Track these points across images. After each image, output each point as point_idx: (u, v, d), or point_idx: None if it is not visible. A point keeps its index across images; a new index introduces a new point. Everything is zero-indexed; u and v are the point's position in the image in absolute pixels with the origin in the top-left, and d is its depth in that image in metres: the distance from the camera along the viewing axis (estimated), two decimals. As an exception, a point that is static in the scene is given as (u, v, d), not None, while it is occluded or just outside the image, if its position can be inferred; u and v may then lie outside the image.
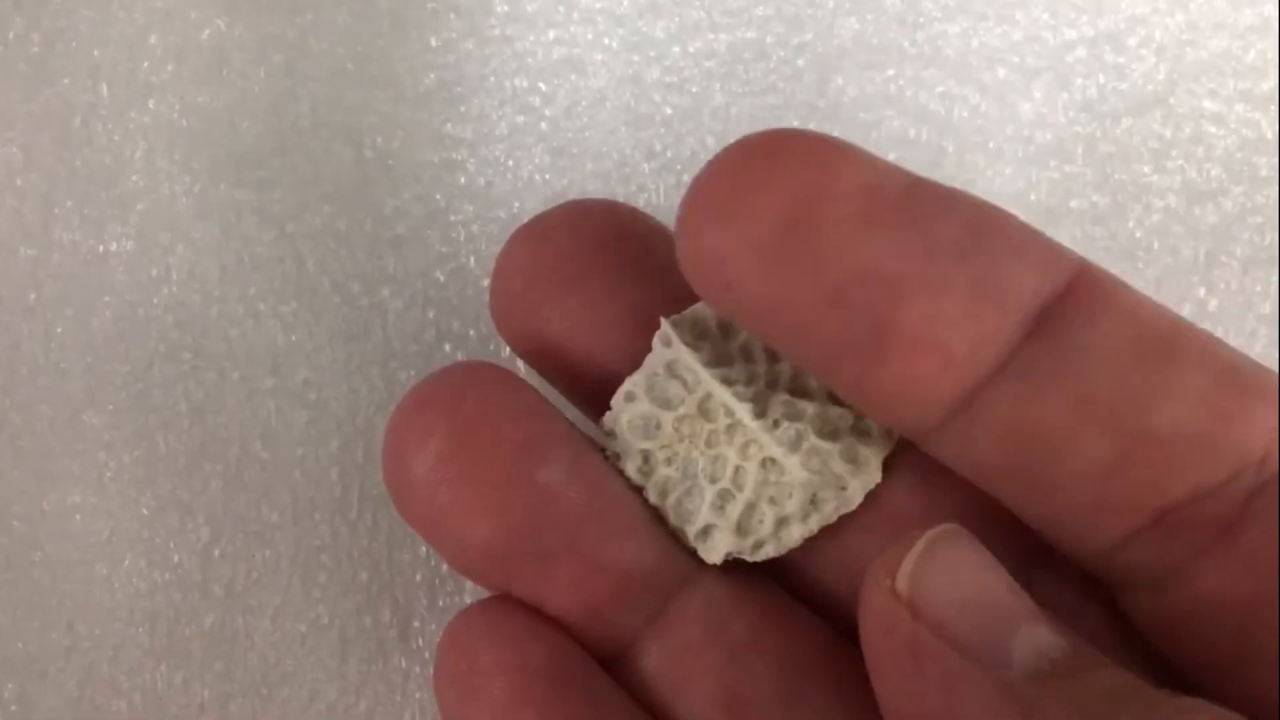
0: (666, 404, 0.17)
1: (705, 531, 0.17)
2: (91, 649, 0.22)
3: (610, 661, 0.17)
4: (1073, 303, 0.15)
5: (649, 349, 0.17)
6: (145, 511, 0.22)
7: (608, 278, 0.18)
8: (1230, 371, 0.15)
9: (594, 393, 0.18)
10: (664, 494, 0.17)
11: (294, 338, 0.23)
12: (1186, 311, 0.23)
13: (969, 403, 0.15)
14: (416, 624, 0.22)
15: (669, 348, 0.17)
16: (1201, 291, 0.23)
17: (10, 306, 0.23)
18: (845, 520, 0.17)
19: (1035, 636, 0.14)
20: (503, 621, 0.17)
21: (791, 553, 0.17)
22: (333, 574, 0.22)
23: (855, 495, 0.17)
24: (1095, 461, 0.15)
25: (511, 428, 0.17)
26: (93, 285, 0.23)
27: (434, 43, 0.23)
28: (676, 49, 0.23)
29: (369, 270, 0.23)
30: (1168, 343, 0.15)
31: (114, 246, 0.23)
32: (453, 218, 0.23)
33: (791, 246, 0.15)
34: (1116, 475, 0.15)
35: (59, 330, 0.23)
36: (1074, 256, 0.16)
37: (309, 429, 0.23)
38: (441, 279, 0.23)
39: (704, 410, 0.17)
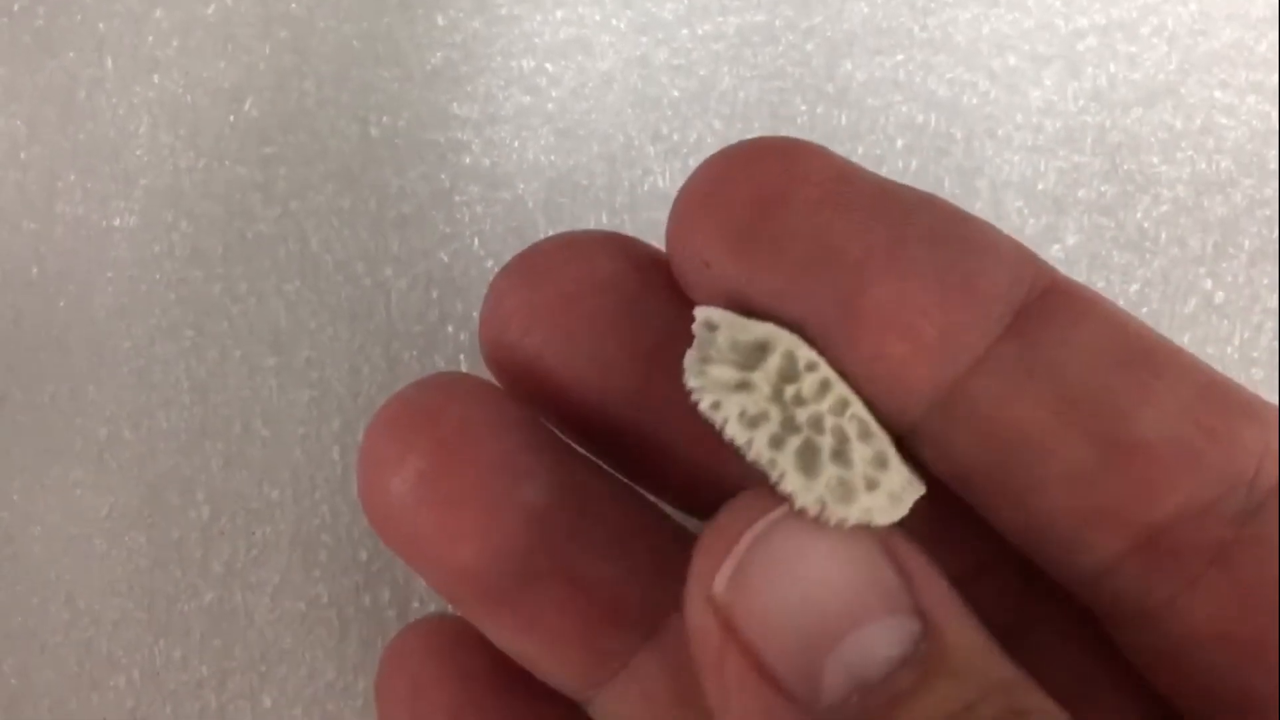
0: (747, 367, 0.15)
1: (843, 488, 0.15)
2: (91, 624, 0.22)
3: (609, 682, 0.17)
4: (1054, 304, 0.15)
5: (655, 389, 0.16)
6: (146, 488, 0.22)
7: (609, 318, 0.17)
8: (1214, 386, 0.15)
9: (599, 436, 0.17)
10: (777, 448, 0.15)
11: (297, 316, 0.23)
12: (1193, 304, 0.23)
13: (948, 397, 0.15)
14: (416, 604, 0.22)
15: (714, 331, 0.16)
16: (1208, 284, 0.23)
17: (12, 280, 0.23)
18: None
19: (853, 652, 0.13)
20: (441, 636, 0.17)
21: None
22: (333, 553, 0.22)
23: (908, 499, 0.15)
24: (1076, 466, 0.15)
25: (493, 445, 0.16)
26: (95, 260, 0.23)
27: (441, 21, 0.23)
28: (685, 31, 0.23)
29: (372, 249, 0.23)
30: (1150, 351, 0.15)
31: (117, 222, 0.23)
32: (457, 198, 0.23)
33: (761, 227, 0.15)
34: (1098, 483, 0.15)
35: (61, 305, 0.23)
36: (1048, 266, 0.16)
37: (311, 408, 0.22)
38: (445, 259, 0.23)
39: (787, 371, 0.15)
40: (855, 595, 0.13)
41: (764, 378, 0.15)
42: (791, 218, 0.15)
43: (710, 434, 0.16)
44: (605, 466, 0.17)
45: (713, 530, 0.14)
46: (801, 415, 0.15)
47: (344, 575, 0.22)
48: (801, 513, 0.14)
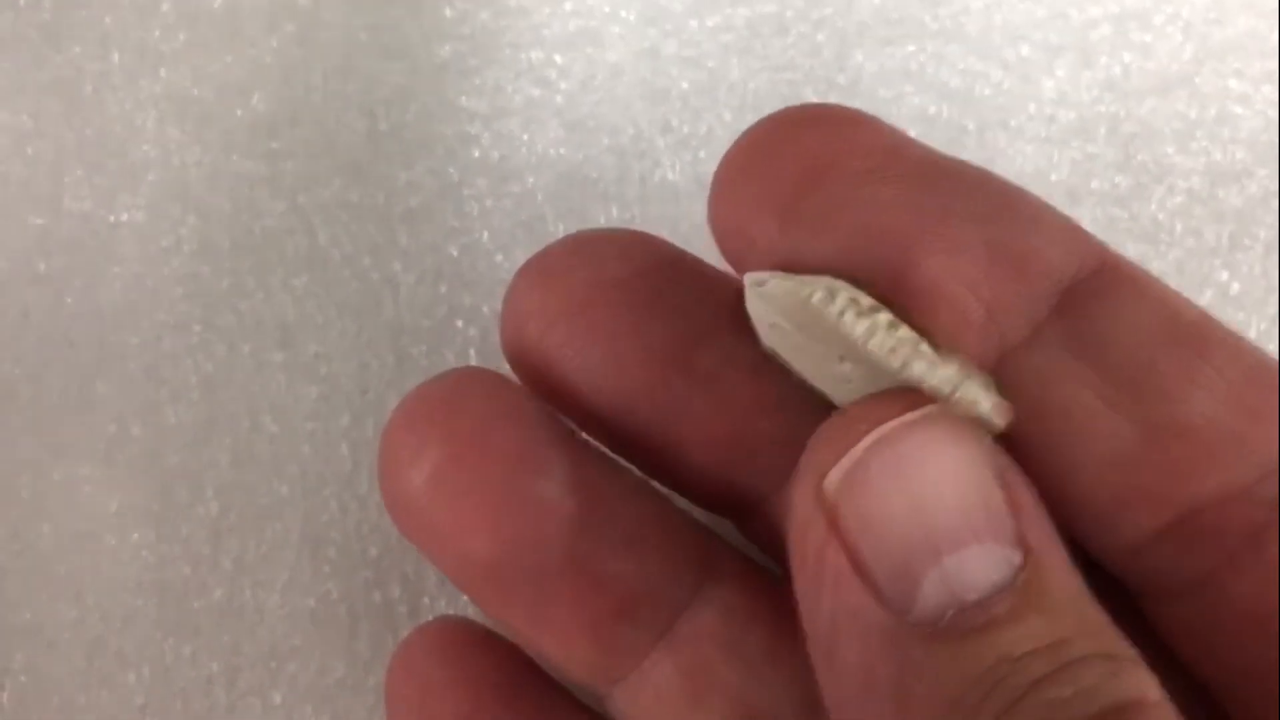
0: (819, 319, 0.15)
1: (965, 380, 0.15)
2: (100, 621, 0.22)
3: (621, 681, 0.17)
4: (1103, 283, 0.15)
5: (673, 389, 0.16)
6: (154, 484, 0.22)
7: (626, 319, 0.16)
8: (1261, 368, 0.15)
9: (617, 435, 0.17)
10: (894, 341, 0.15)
11: (304, 311, 0.23)
12: (1208, 296, 0.23)
13: (994, 373, 0.15)
14: (426, 600, 0.22)
15: (764, 287, 0.15)
16: (1224, 275, 0.23)
17: (19, 276, 0.23)
18: None
19: (954, 571, 0.13)
20: (450, 639, 0.17)
21: None
22: (342, 549, 0.22)
23: (1006, 416, 0.15)
24: (1118, 447, 0.15)
25: (507, 439, 0.16)
26: (102, 255, 0.23)
27: (449, 14, 0.23)
28: (694, 22, 0.23)
29: (381, 244, 0.23)
30: (1199, 333, 0.15)
31: (124, 217, 0.23)
32: (466, 192, 0.23)
33: (808, 202, 0.15)
34: (1140, 464, 0.15)
35: (68, 301, 0.23)
36: (1101, 244, 0.16)
37: (319, 403, 0.22)
38: (454, 253, 0.23)
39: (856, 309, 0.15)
40: (966, 515, 0.13)
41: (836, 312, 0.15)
42: (839, 189, 0.15)
43: (727, 435, 0.16)
44: (623, 462, 0.17)
45: (836, 423, 0.14)
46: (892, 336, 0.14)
47: (354, 571, 0.22)
48: (932, 398, 0.14)
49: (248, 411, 0.22)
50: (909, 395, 0.14)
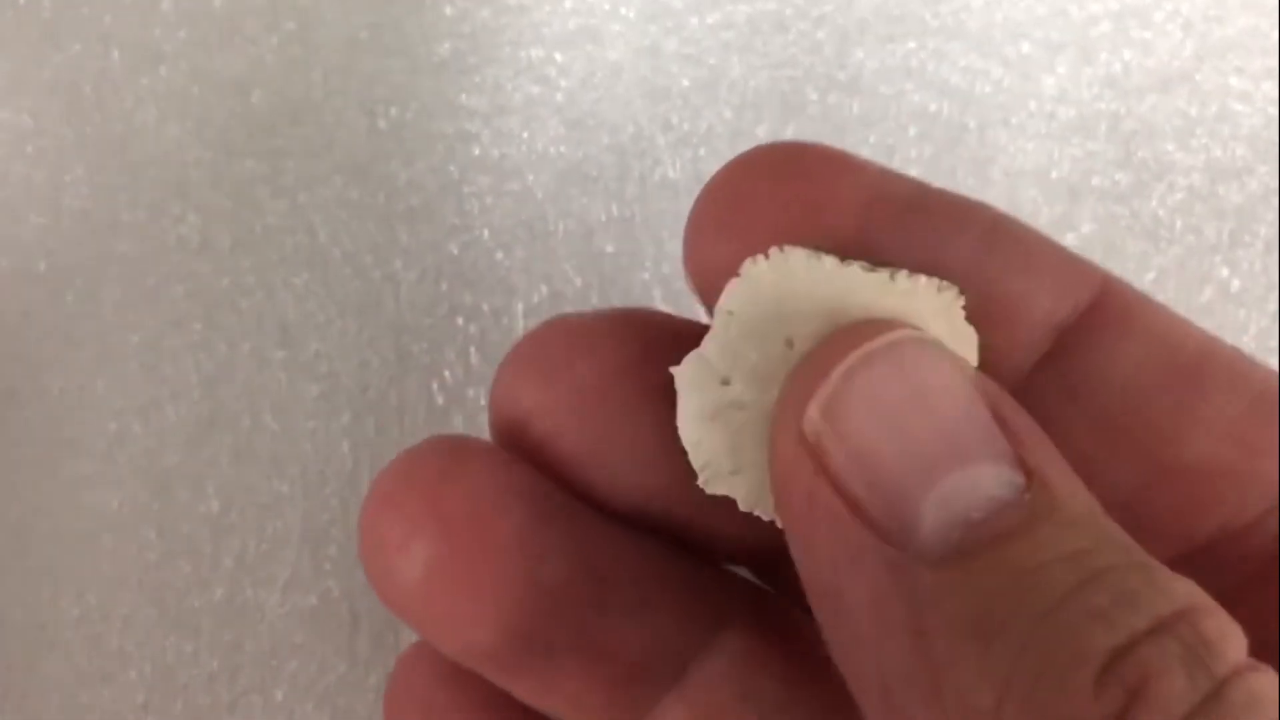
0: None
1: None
2: (101, 619, 0.22)
3: None
4: (1096, 322, 0.15)
5: (671, 467, 0.15)
6: (155, 482, 0.22)
7: (640, 410, 0.15)
8: (1261, 400, 0.14)
9: (643, 522, 0.16)
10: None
11: (305, 309, 0.23)
12: (1209, 292, 0.23)
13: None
14: (427, 598, 0.22)
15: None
16: (1224, 272, 0.23)
17: (20, 274, 0.23)
18: None
19: (956, 490, 0.12)
20: (447, 662, 0.16)
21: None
22: (343, 547, 0.22)
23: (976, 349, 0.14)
24: (1118, 491, 0.14)
25: (506, 524, 0.15)
26: (103, 254, 0.23)
27: (449, 11, 0.23)
28: (694, 20, 0.23)
29: (381, 242, 0.23)
30: (1196, 367, 0.14)
31: (124, 215, 0.23)
32: (466, 190, 0.23)
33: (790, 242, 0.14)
34: (1141, 506, 0.14)
35: (69, 299, 0.23)
36: (1098, 272, 0.15)
37: (320, 401, 0.22)
38: (455, 251, 0.23)
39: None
40: (956, 434, 0.12)
41: None
42: (822, 234, 0.14)
43: (738, 516, 0.15)
44: (627, 528, 0.16)
45: (806, 359, 0.13)
46: None
47: (355, 569, 0.22)
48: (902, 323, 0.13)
49: (248, 409, 0.22)
50: (878, 322, 0.13)
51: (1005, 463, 0.12)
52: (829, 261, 0.14)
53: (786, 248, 0.14)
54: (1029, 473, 0.12)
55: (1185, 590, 0.11)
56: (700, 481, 0.15)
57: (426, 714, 0.16)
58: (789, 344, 0.14)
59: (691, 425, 0.15)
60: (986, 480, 0.12)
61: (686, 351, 0.15)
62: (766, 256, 0.14)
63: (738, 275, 0.14)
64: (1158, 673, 0.10)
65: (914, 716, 0.11)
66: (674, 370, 0.15)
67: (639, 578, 0.16)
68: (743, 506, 0.15)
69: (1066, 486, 0.12)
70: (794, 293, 0.14)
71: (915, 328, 0.13)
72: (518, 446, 0.16)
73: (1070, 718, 0.10)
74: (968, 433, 0.12)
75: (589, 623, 0.15)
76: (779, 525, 0.14)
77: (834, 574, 0.12)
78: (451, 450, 0.15)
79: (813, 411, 0.12)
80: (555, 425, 0.15)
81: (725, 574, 0.17)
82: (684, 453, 0.15)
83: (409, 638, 0.22)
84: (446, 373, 0.22)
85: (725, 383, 0.15)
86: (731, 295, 0.15)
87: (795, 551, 0.13)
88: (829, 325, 0.14)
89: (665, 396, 0.15)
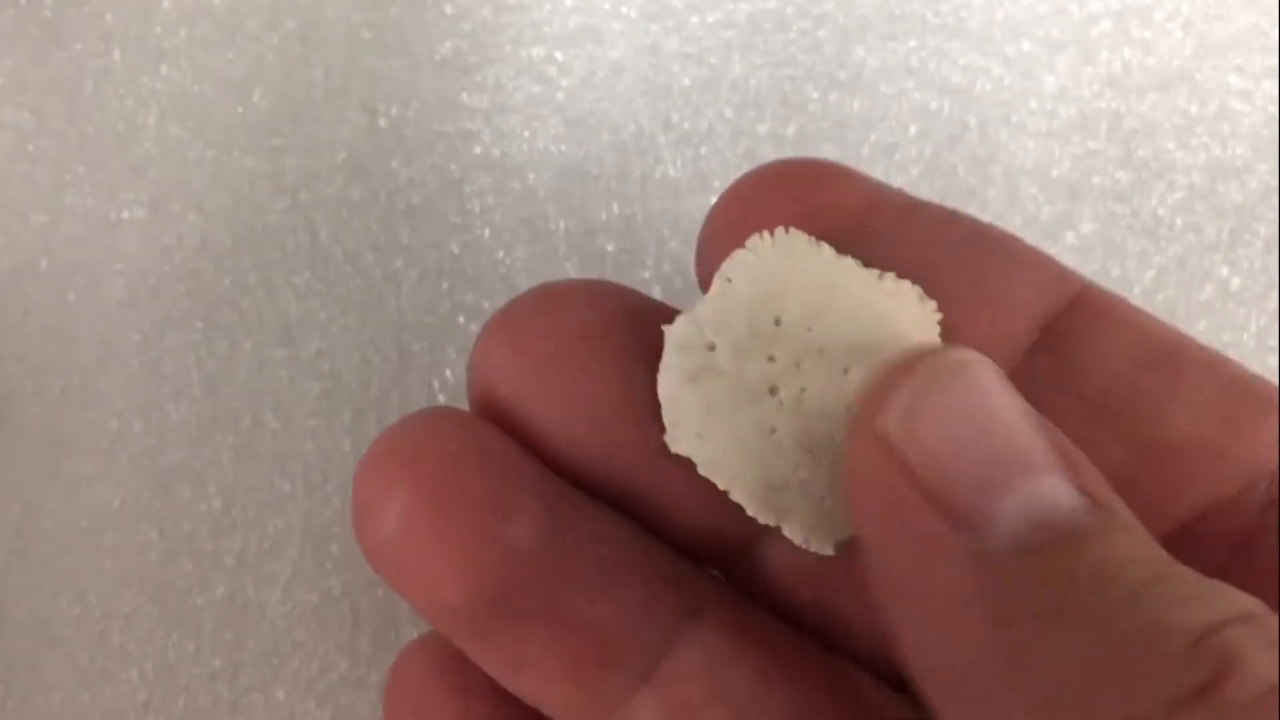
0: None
1: None
2: (102, 618, 0.22)
3: None
4: (1078, 316, 0.16)
5: (647, 440, 0.16)
6: (156, 481, 0.22)
7: (598, 369, 0.16)
8: (1235, 383, 0.15)
9: (596, 486, 0.17)
10: None
11: (307, 308, 0.23)
12: (1209, 291, 0.23)
13: None
14: (428, 596, 0.22)
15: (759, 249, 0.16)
16: (1224, 270, 0.23)
17: (21, 273, 0.23)
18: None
19: (1031, 495, 0.12)
20: (447, 651, 0.17)
21: (804, 582, 0.17)
22: (345, 545, 0.22)
23: None
24: (1107, 471, 0.14)
25: (478, 483, 0.15)
26: (104, 252, 0.23)
27: (450, 10, 0.23)
28: (695, 19, 0.23)
29: (382, 241, 0.23)
30: (1173, 354, 0.15)
31: (126, 214, 0.23)
32: (467, 189, 0.23)
33: None
34: (1129, 484, 0.15)
35: (70, 297, 0.23)
36: (1076, 276, 0.16)
37: (321, 400, 0.22)
38: (456, 250, 0.23)
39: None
40: (1025, 448, 0.13)
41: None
42: (823, 233, 0.16)
43: (707, 487, 0.16)
44: (599, 503, 0.17)
45: (883, 369, 0.14)
46: None
47: (356, 567, 0.22)
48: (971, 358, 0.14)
49: (250, 408, 0.22)
50: (947, 345, 0.14)
51: (1067, 478, 0.13)
52: (827, 250, 0.16)
53: (791, 230, 0.16)
54: (1085, 490, 0.13)
55: (1252, 597, 0.12)
56: (666, 438, 0.16)
57: (420, 702, 0.17)
58: (777, 322, 0.16)
59: (670, 382, 0.16)
60: (1054, 490, 0.12)
61: (659, 325, 0.16)
62: (772, 234, 0.16)
63: (743, 247, 0.16)
64: (1247, 649, 0.11)
65: (997, 694, 0.12)
66: (665, 328, 0.16)
67: (608, 553, 0.16)
68: (701, 470, 0.16)
69: (1121, 505, 0.13)
70: (791, 271, 0.16)
71: (981, 352, 0.14)
72: (491, 410, 0.16)
73: (1163, 682, 0.11)
74: (1033, 448, 0.13)
75: (556, 590, 0.16)
76: (733, 498, 0.16)
77: (912, 562, 0.13)
78: (435, 417, 0.16)
79: (891, 420, 0.13)
80: (521, 385, 0.16)
81: (696, 568, 0.17)
82: (652, 413, 0.16)
83: (410, 636, 0.22)
84: (448, 371, 0.22)
85: (710, 348, 0.16)
86: (733, 263, 0.16)
87: (869, 545, 0.13)
88: (817, 310, 0.16)
89: (632, 362, 0.16)
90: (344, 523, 0.22)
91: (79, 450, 0.22)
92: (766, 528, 0.16)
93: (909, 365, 0.13)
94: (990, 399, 0.13)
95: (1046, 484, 0.13)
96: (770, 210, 0.16)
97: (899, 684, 0.17)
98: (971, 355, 0.13)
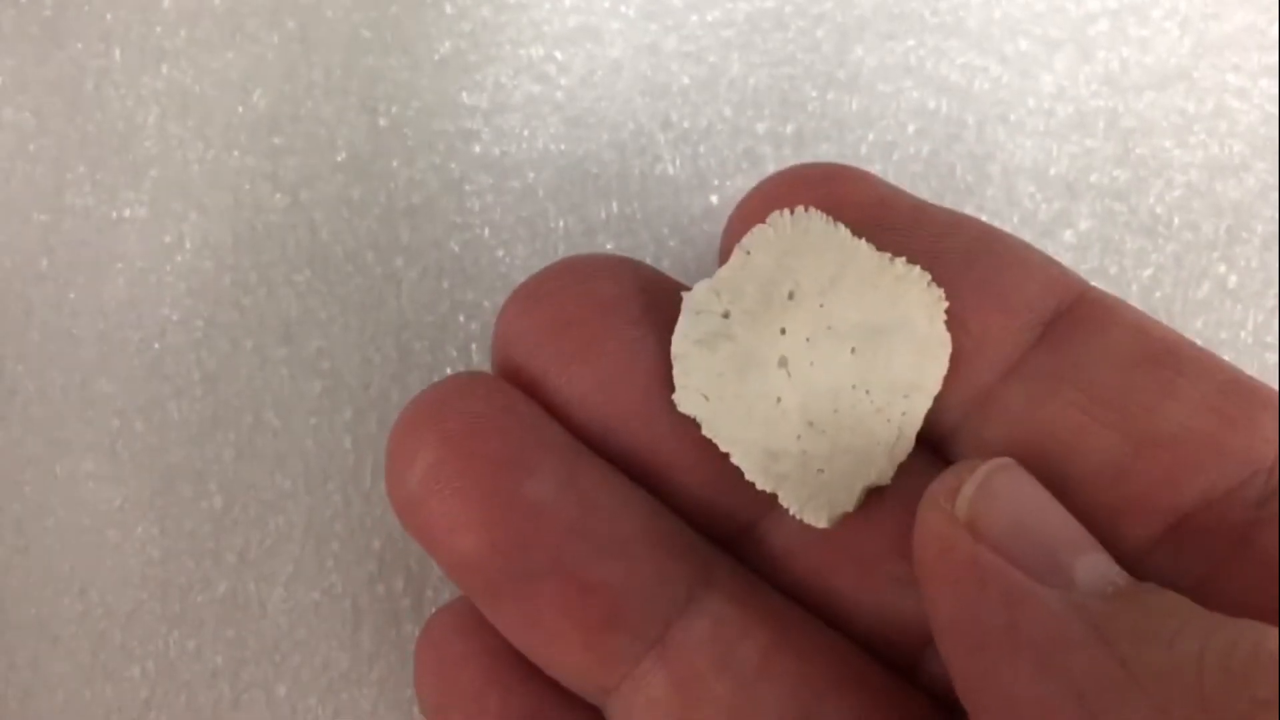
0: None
1: None
2: (104, 616, 0.22)
3: (612, 690, 0.17)
4: (1079, 316, 0.16)
5: (658, 408, 0.17)
6: (158, 479, 0.22)
7: (614, 338, 0.17)
8: (1232, 381, 0.16)
9: (610, 452, 0.17)
10: None
11: (307, 306, 0.23)
12: (1206, 289, 0.23)
13: (983, 403, 0.16)
14: (430, 593, 0.22)
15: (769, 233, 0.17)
16: (1222, 268, 0.23)
17: (22, 272, 0.23)
18: (859, 525, 0.17)
19: (1098, 562, 0.14)
20: (473, 615, 0.17)
21: (804, 560, 0.17)
22: (346, 543, 0.22)
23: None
24: (1107, 460, 0.16)
25: (499, 440, 0.16)
26: (105, 252, 0.23)
27: (450, 10, 0.23)
28: (694, 18, 0.23)
29: (383, 240, 0.23)
30: (1172, 353, 0.16)
31: (126, 213, 0.23)
32: (467, 187, 0.23)
33: None
34: (1128, 475, 0.16)
35: (71, 297, 0.23)
36: (1079, 278, 0.17)
37: (322, 398, 0.22)
38: (456, 249, 0.23)
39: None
40: (1076, 528, 0.15)
41: None
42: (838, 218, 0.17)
43: (715, 458, 0.17)
44: (617, 469, 0.17)
45: (947, 472, 0.15)
46: None
47: (357, 565, 0.22)
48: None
49: (251, 407, 0.22)
50: (992, 458, 0.16)
51: (1103, 552, 0.15)
52: (843, 230, 0.17)
53: (811, 209, 0.17)
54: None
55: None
56: (674, 397, 0.17)
57: (445, 661, 0.17)
58: (790, 296, 0.17)
59: (683, 343, 0.17)
60: (1103, 559, 0.15)
61: (677, 300, 0.17)
62: (792, 212, 0.17)
63: (764, 223, 0.17)
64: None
65: (1112, 707, 0.13)
66: (684, 293, 0.17)
67: (623, 517, 0.17)
68: (705, 431, 0.17)
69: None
70: (807, 248, 0.17)
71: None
72: (512, 376, 0.17)
73: (1270, 672, 0.12)
74: (1078, 531, 0.15)
75: (569, 548, 0.16)
76: (734, 461, 0.17)
77: (1009, 614, 0.14)
78: (464, 380, 0.17)
79: (963, 501, 0.15)
80: (540, 351, 0.17)
81: (707, 542, 0.17)
82: (664, 380, 0.17)
83: (410, 633, 0.22)
84: (448, 370, 0.23)
85: (725, 315, 0.17)
86: (753, 236, 0.17)
87: (950, 605, 0.15)
88: (829, 286, 0.17)
89: (648, 332, 0.17)
90: (345, 521, 0.22)
91: (80, 449, 0.22)
92: (769, 506, 0.17)
93: (968, 463, 0.15)
94: (1041, 492, 0.15)
95: (1102, 557, 0.15)
96: (793, 204, 0.17)
97: (897, 664, 0.17)
98: (1012, 461, 0.15)
